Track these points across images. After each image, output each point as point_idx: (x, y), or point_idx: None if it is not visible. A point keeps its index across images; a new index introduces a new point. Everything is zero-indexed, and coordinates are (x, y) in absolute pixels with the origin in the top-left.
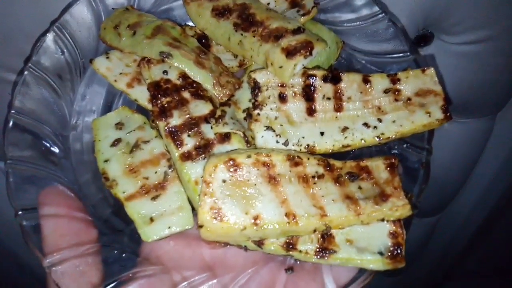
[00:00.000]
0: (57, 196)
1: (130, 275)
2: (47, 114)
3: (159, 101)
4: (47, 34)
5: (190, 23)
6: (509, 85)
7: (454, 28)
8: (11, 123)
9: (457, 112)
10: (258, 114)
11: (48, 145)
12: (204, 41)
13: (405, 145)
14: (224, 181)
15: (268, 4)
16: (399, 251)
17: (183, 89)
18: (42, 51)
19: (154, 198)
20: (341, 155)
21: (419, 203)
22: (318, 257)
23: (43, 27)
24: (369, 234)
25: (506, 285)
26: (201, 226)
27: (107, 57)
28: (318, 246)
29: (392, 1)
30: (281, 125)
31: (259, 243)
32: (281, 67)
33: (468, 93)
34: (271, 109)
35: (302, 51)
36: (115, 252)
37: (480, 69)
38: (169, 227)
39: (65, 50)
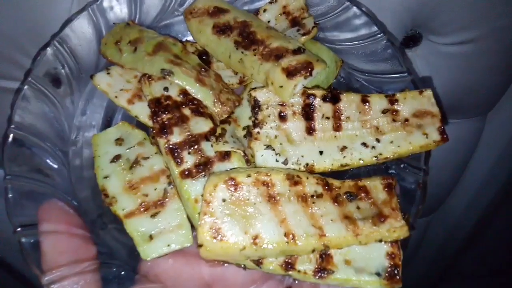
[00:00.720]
0: (57, 211)
1: None
2: (47, 129)
3: (160, 118)
4: (47, 48)
5: (190, 38)
6: (499, 85)
7: (442, 28)
8: (10, 138)
9: (447, 113)
10: (258, 132)
11: (47, 160)
12: (204, 58)
13: (402, 165)
14: (224, 200)
15: (269, 22)
16: (396, 272)
17: (183, 106)
18: (42, 65)
19: (153, 216)
20: (340, 173)
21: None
22: (317, 277)
23: (28, 33)
24: (367, 254)
25: (501, 286)
26: (200, 246)
27: (108, 73)
28: (317, 266)
29: (380, 2)
30: (281, 143)
31: (258, 262)
32: (281, 86)
33: (458, 94)
34: (271, 127)
35: (302, 71)
36: (114, 269)
37: (469, 69)
38: (168, 245)
39: (65, 65)
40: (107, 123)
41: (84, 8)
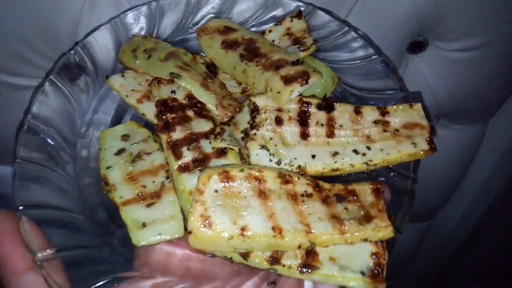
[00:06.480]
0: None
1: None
2: (60, 122)
3: (165, 117)
4: (71, 51)
5: (202, 54)
6: (502, 91)
7: (448, 34)
8: (25, 127)
9: (450, 118)
10: (255, 133)
11: (56, 149)
12: (212, 69)
13: (392, 174)
14: (216, 191)
15: (273, 41)
16: (380, 272)
17: (188, 108)
18: (64, 66)
19: (149, 205)
20: (331, 179)
21: (404, 228)
22: (301, 272)
23: (38, 30)
24: (352, 253)
25: None
26: (190, 232)
27: (122, 75)
28: (302, 262)
29: (387, 7)
30: (276, 145)
31: (245, 255)
32: (279, 92)
33: (461, 99)
34: (267, 130)
35: (299, 79)
36: (105, 253)
37: (473, 76)
38: (159, 234)
39: (84, 67)
40: (116, 123)
41: (107, 21)
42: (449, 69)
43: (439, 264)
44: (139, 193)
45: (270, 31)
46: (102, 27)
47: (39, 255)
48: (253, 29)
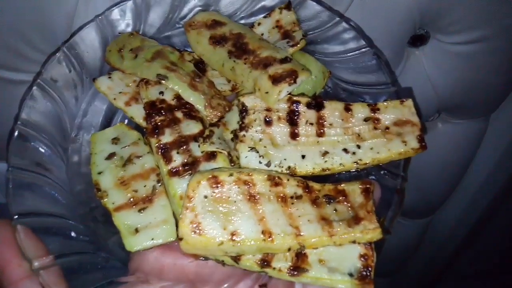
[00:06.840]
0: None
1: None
2: (50, 127)
3: (153, 120)
4: (57, 53)
5: (189, 49)
6: (504, 86)
7: (450, 27)
8: (16, 134)
9: (451, 113)
10: (244, 135)
11: (48, 155)
12: (200, 66)
13: (382, 172)
14: (205, 196)
15: (262, 35)
16: (368, 274)
17: (176, 109)
18: (52, 68)
19: (141, 210)
20: (321, 179)
21: (393, 228)
22: (291, 274)
23: (30, 21)
24: (341, 255)
25: (498, 287)
26: (181, 239)
27: (109, 77)
28: (292, 264)
29: (390, 1)
30: (265, 146)
31: (236, 258)
32: (267, 92)
33: (463, 94)
34: (256, 131)
35: (287, 78)
36: (100, 259)
37: (475, 70)
38: (152, 239)
39: (72, 69)
40: (106, 125)
41: (92, 19)
42: (451, 63)
43: (438, 262)
44: (131, 198)
45: (259, 24)
46: (88, 26)
47: (36, 263)
48: (242, 21)
